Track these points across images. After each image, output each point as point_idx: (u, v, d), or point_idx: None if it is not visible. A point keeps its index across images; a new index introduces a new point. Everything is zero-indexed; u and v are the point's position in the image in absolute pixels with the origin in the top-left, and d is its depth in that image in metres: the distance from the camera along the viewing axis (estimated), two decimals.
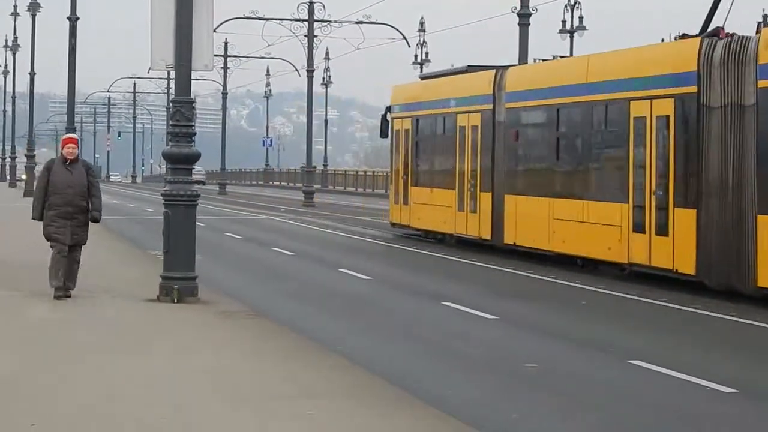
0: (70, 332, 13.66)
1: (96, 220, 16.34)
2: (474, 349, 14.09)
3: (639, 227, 20.72)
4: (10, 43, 74.43)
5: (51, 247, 16.03)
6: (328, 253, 27.59)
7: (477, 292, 20.11)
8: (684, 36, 20.56)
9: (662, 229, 20.10)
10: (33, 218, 16.31)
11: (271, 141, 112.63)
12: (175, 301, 16.06)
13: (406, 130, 31.88)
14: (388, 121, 33.08)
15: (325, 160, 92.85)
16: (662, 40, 22.30)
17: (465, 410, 10.37)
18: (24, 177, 63.69)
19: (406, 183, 31.82)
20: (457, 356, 13.66)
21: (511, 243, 25.48)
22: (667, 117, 20.11)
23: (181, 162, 16.57)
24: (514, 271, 23.28)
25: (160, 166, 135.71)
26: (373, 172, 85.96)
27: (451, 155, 28.76)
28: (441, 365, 12.99)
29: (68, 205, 15.92)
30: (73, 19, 36.07)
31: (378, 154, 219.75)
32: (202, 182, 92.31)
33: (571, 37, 50.82)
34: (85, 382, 10.67)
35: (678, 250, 19.63)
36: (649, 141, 20.58)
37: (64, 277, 15.92)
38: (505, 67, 26.96)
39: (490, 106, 26.69)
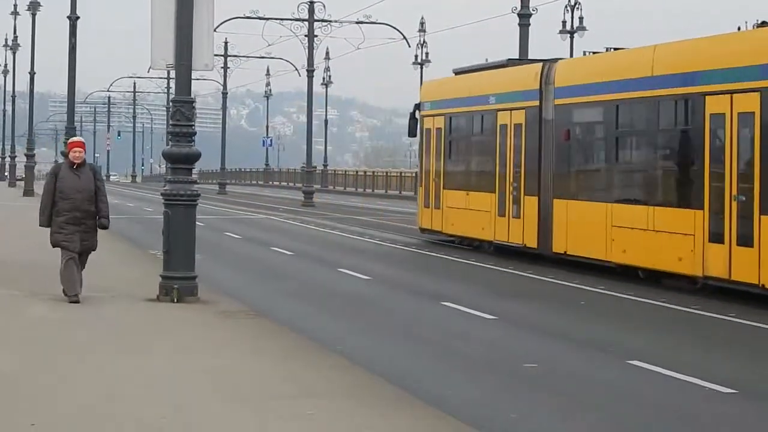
0: (69, 332, 13.66)
1: (105, 227, 16.03)
2: (474, 349, 14.09)
3: (716, 237, 18.80)
4: (10, 43, 74.41)
5: (62, 255, 15.69)
6: (328, 252, 27.58)
7: (477, 292, 20.11)
8: (764, 24, 19.24)
9: (745, 239, 18.20)
10: (41, 225, 15.95)
11: (271, 141, 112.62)
12: (175, 300, 16.06)
13: (438, 129, 29.91)
14: (417, 119, 31.16)
15: (325, 160, 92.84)
16: (738, 29, 20.96)
17: (465, 410, 10.38)
18: (23, 176, 63.72)
19: (437, 185, 29.75)
20: (457, 356, 13.66)
21: (561, 252, 23.55)
22: (752, 113, 18.24)
23: (181, 162, 16.57)
24: (513, 271, 23.29)
25: (159, 166, 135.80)
26: (373, 172, 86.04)
27: (490, 156, 26.84)
28: (441, 365, 13.00)
29: (77, 211, 15.61)
30: (73, 18, 36.09)
31: (378, 155, 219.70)
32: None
33: (572, 38, 50.85)
34: (85, 381, 10.67)
35: (765, 263, 17.79)
36: (729, 140, 18.74)
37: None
38: (553, 61, 24.94)
39: (536, 103, 24.68)
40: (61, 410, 9.48)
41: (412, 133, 31.67)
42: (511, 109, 25.83)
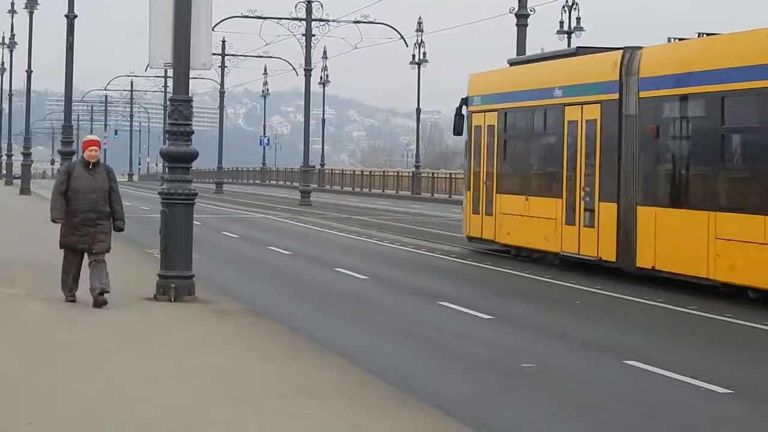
0: (67, 331, 13.66)
1: (121, 229, 15.63)
2: (472, 349, 14.11)
3: None
4: (7, 41, 74.40)
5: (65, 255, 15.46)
6: (326, 252, 27.58)
7: (477, 293, 20.12)
8: None
9: None
10: (53, 219, 15.43)
11: (268, 140, 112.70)
12: (172, 299, 16.07)
13: (491, 126, 26.80)
14: (463, 115, 28.14)
15: (322, 159, 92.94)
16: None
17: (463, 410, 10.39)
18: (20, 175, 63.69)
19: (490, 189, 26.73)
20: (455, 355, 13.67)
21: (648, 267, 20.48)
22: None
23: (179, 161, 16.57)
24: (511, 271, 23.31)
25: (156, 165, 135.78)
26: (370, 171, 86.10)
27: (555, 156, 23.89)
28: (439, 364, 13.01)
29: (91, 211, 15.19)
30: (71, 17, 36.08)
31: (374, 154, 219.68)
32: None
33: (569, 38, 50.91)
34: (84, 380, 10.67)
35: None
36: None
37: (97, 282, 15.21)
38: (635, 48, 21.67)
39: (615, 96, 21.63)
40: (60, 409, 9.49)
41: (457, 131, 28.65)
42: (582, 103, 22.86)
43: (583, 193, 22.68)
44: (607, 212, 21.75)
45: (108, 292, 15.21)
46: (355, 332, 15.45)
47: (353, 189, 78.53)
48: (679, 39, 21.46)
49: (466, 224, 28.05)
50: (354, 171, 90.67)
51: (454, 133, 29.22)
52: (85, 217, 15.20)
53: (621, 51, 21.91)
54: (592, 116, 22.49)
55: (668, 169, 20.46)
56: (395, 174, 78.74)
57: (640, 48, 21.54)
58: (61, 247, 15.52)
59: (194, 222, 16.79)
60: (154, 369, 11.29)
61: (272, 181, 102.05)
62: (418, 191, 67.70)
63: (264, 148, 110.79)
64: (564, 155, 23.42)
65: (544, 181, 24.57)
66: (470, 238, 27.86)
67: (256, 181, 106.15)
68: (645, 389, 11.67)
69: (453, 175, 69.44)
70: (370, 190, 75.38)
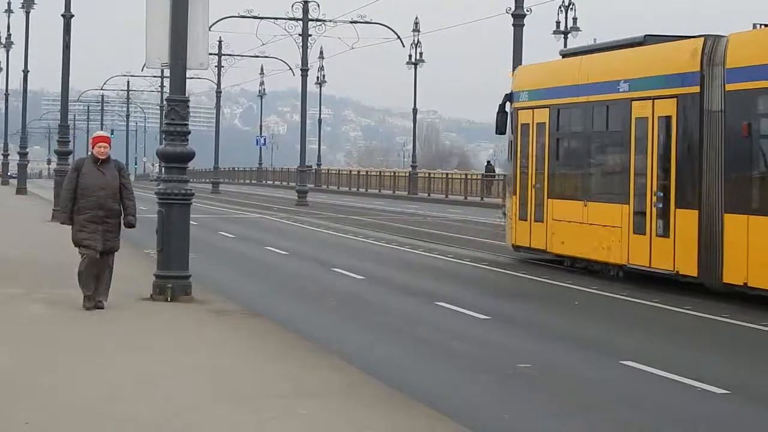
0: (64, 330, 13.67)
1: (132, 226, 15.28)
2: (469, 349, 14.12)
3: None
4: (3, 41, 74.32)
5: (80, 254, 15.11)
6: (323, 252, 27.58)
7: (472, 292, 20.14)
8: None
9: None
10: (62, 222, 15.29)
11: (264, 140, 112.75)
12: (169, 299, 16.06)
13: (540, 124, 24.43)
14: (507, 112, 25.79)
15: (319, 159, 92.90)
16: (754, 26, 18.65)
17: (460, 410, 10.41)
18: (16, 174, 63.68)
19: (539, 194, 24.23)
20: (452, 355, 13.69)
21: (738, 283, 18.33)
22: None
23: (175, 161, 16.57)
24: (506, 272, 23.31)
25: (153, 165, 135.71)
26: (367, 171, 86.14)
27: (620, 157, 21.73)
28: (436, 364, 13.03)
29: (100, 209, 14.92)
30: (67, 17, 36.05)
31: (370, 154, 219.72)
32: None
33: (566, 38, 50.95)
34: (82, 380, 10.68)
35: None
36: None
37: (96, 287, 15.04)
38: (717, 36, 19.47)
39: (696, 89, 19.42)
40: (58, 409, 9.49)
41: (500, 129, 26.11)
42: (654, 98, 20.54)
43: (655, 199, 20.39)
44: (686, 220, 19.51)
45: (102, 308, 14.98)
46: (353, 332, 15.46)
47: (350, 189, 78.56)
48: (763, 24, 19.49)
49: (512, 232, 25.39)
50: (350, 171, 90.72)
51: (496, 132, 26.48)
52: (94, 214, 14.94)
53: (701, 38, 19.66)
54: (666, 112, 20.29)
55: (763, 171, 18.27)
56: (392, 174, 78.79)
57: (724, 36, 19.35)
58: (75, 245, 15.23)
59: (191, 222, 16.79)
60: (153, 369, 11.29)
61: (269, 181, 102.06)
62: (415, 191, 67.74)
63: (260, 147, 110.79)
64: (631, 156, 21.16)
65: (607, 184, 22.26)
66: (516, 248, 25.28)
67: (253, 181, 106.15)
68: (640, 389, 11.68)
69: (450, 175, 69.53)
70: (366, 190, 75.41)
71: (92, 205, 14.96)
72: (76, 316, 14.67)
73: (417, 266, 24.76)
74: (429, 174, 73.00)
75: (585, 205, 22.44)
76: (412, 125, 74.81)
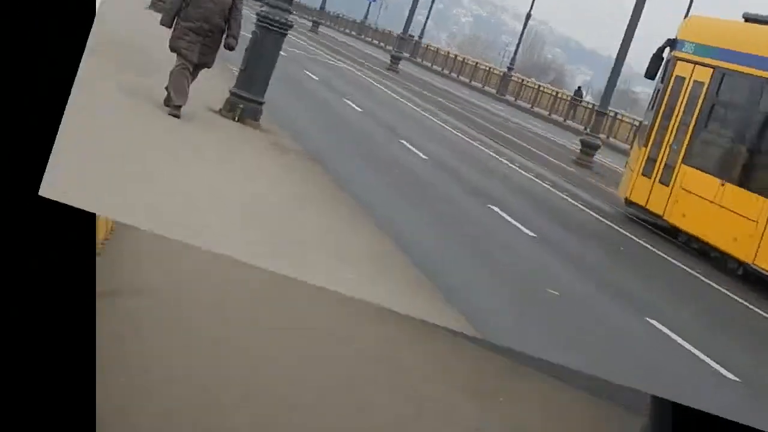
0: (126, 130, 13.72)
1: (231, 48, 14.93)
2: (509, 259, 14.18)
3: None
4: None
5: (175, 63, 14.84)
6: (397, 121, 27.49)
7: (522, 204, 20.11)
8: None
9: None
10: (162, 23, 14.95)
11: None
12: (236, 119, 16.16)
13: (698, 83, 21.73)
14: (663, 58, 23.42)
15: (422, 33, 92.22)
16: None
17: (477, 318, 10.51)
18: None
19: (674, 155, 21.62)
20: (491, 262, 13.73)
21: None
22: None
23: None
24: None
25: None
26: (464, 58, 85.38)
27: None
28: (473, 266, 13.10)
29: (205, 21, 14.71)
30: None
31: (473, 44, 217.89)
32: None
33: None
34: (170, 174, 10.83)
35: None
36: None
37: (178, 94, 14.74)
38: None
39: None
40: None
41: (650, 73, 23.69)
42: None
43: None
44: None
45: (177, 116, 14.65)
46: (402, 209, 15.46)
47: (442, 70, 77.99)
48: None
49: (629, 185, 23.07)
50: (448, 53, 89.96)
51: (645, 76, 24.04)
52: (199, 26, 14.73)
53: None
54: None
55: None
56: (487, 68, 78.09)
57: None
58: (171, 50, 14.97)
59: (281, 52, 16.80)
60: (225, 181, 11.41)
61: (368, 38, 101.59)
62: (503, 93, 67.24)
63: (370, 3, 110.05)
64: None
65: (754, 172, 19.35)
66: (629, 202, 23.06)
67: (353, 33, 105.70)
68: (656, 351, 11.70)
69: (542, 87, 68.86)
70: (458, 77, 74.85)
71: (199, 16, 14.73)
72: (137, 121, 14.23)
73: (484, 167, 24.65)
74: (522, 80, 72.32)
75: (722, 185, 19.74)
76: (521, 28, 74.04)
